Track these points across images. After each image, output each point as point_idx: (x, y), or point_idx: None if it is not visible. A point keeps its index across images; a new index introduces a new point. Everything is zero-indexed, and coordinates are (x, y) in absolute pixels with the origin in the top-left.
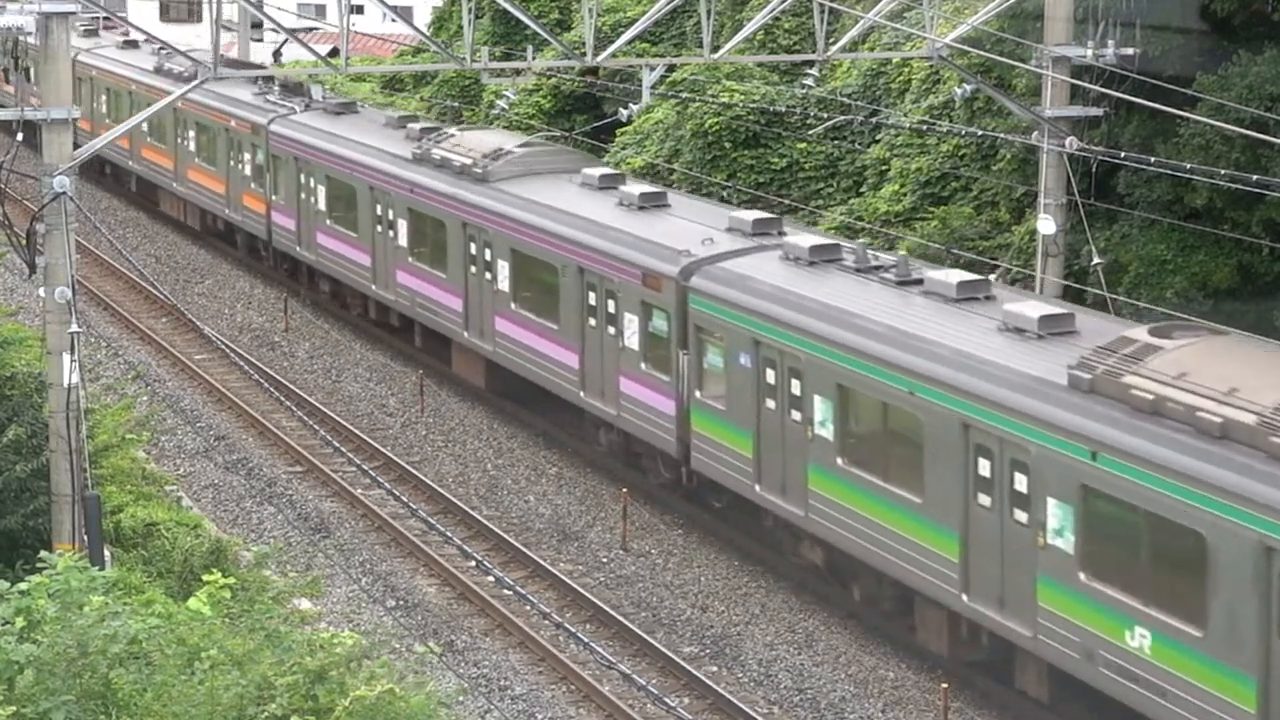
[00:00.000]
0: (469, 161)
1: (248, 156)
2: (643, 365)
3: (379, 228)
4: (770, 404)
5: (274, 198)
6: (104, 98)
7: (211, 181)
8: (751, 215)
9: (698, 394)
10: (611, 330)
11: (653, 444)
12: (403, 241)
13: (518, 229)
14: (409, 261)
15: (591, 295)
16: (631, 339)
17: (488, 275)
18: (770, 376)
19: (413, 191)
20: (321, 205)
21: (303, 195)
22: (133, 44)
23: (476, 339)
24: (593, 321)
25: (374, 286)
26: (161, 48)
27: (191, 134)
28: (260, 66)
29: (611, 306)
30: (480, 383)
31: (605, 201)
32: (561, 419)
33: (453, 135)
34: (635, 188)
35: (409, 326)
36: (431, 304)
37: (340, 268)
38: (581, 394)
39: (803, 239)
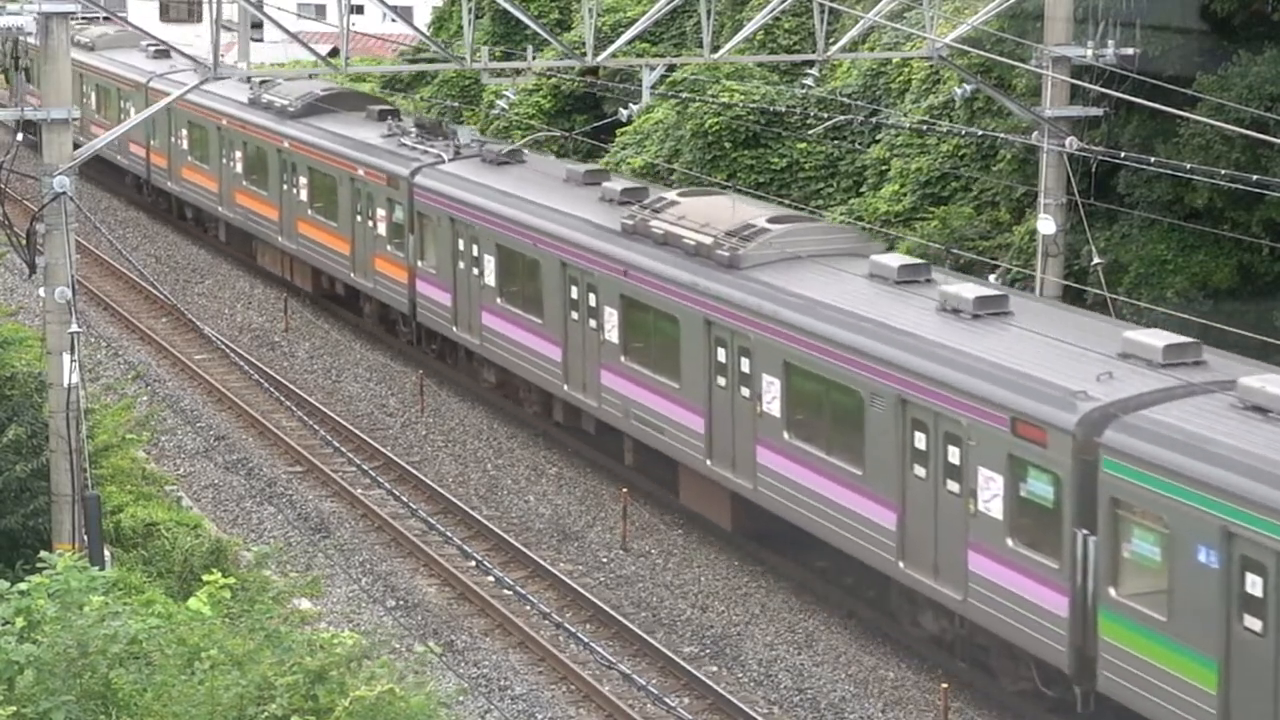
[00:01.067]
0: (707, 241)
1: (382, 212)
2: (1009, 541)
3: (574, 315)
4: (1253, 624)
5: (419, 264)
6: (184, 131)
7: (331, 239)
8: (1158, 339)
9: (1112, 593)
10: (954, 487)
11: (1026, 648)
12: (612, 336)
13: (793, 337)
14: (620, 361)
15: (920, 437)
16: (989, 504)
17: (744, 391)
18: (1256, 585)
19: (627, 274)
20: (489, 279)
21: (461, 265)
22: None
23: (725, 469)
24: (921, 472)
25: (565, 386)
26: (262, 81)
27: (303, 180)
28: (386, 104)
29: (954, 456)
30: (722, 521)
31: (917, 304)
32: (862, 589)
33: (674, 203)
34: (964, 288)
35: (612, 436)
36: (654, 417)
37: (515, 357)
38: (902, 564)
39: (1262, 381)
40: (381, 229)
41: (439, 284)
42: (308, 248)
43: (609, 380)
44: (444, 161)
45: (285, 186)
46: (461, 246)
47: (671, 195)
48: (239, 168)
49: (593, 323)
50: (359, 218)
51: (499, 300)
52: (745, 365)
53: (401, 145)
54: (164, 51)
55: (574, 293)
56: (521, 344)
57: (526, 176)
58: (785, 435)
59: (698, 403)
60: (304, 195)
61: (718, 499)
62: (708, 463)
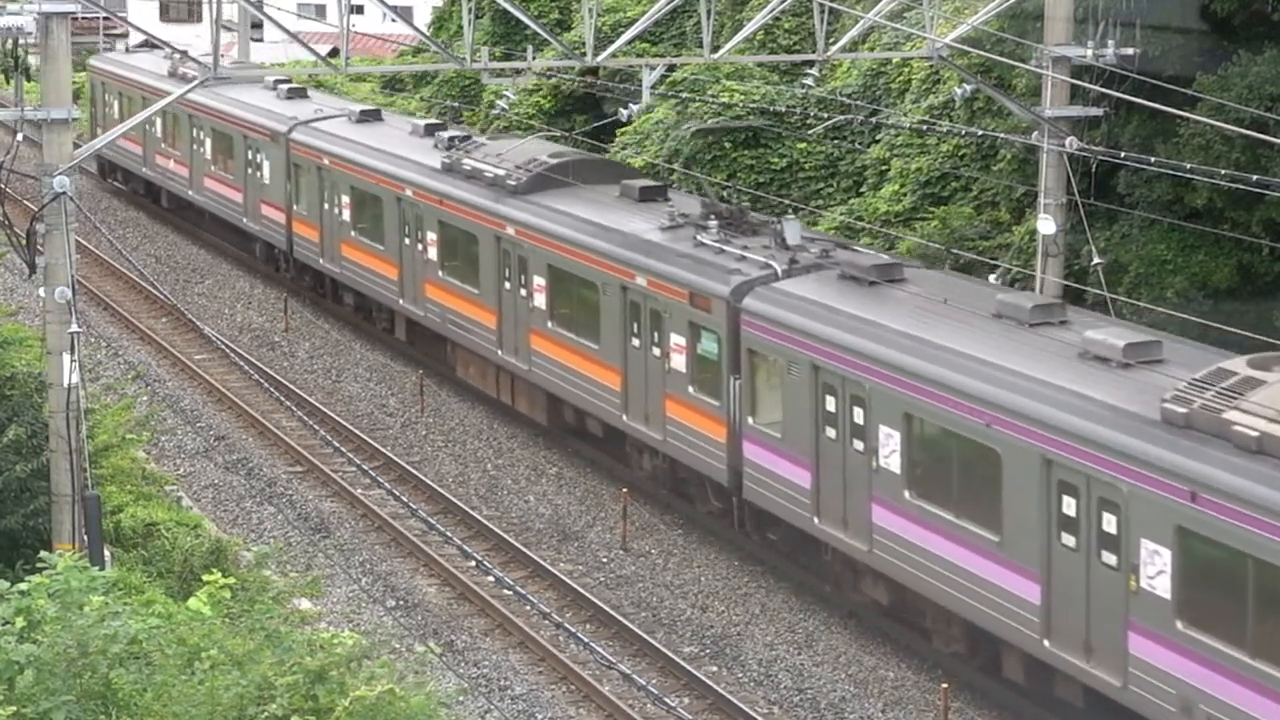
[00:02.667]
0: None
1: (679, 341)
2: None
3: (1067, 539)
4: (830, 433)
5: (751, 421)
6: (345, 199)
7: (590, 366)
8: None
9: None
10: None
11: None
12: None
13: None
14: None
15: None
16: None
17: (522, 292)
18: (830, 402)
19: (1194, 500)
20: (895, 468)
21: (830, 433)
22: (373, 116)
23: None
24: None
25: (1048, 642)
26: (458, 139)
27: (540, 281)
28: (649, 179)
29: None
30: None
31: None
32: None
33: (1256, 384)
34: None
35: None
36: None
37: (941, 580)
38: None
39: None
40: (680, 364)
41: (781, 451)
42: (547, 370)
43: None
44: (777, 277)
45: (509, 285)
46: (831, 407)
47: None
48: (432, 253)
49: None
50: (637, 342)
51: (905, 493)
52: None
53: (698, 244)
54: (299, 90)
55: (1067, 504)
56: (962, 567)
57: (942, 313)
58: (548, 324)
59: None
60: (541, 301)
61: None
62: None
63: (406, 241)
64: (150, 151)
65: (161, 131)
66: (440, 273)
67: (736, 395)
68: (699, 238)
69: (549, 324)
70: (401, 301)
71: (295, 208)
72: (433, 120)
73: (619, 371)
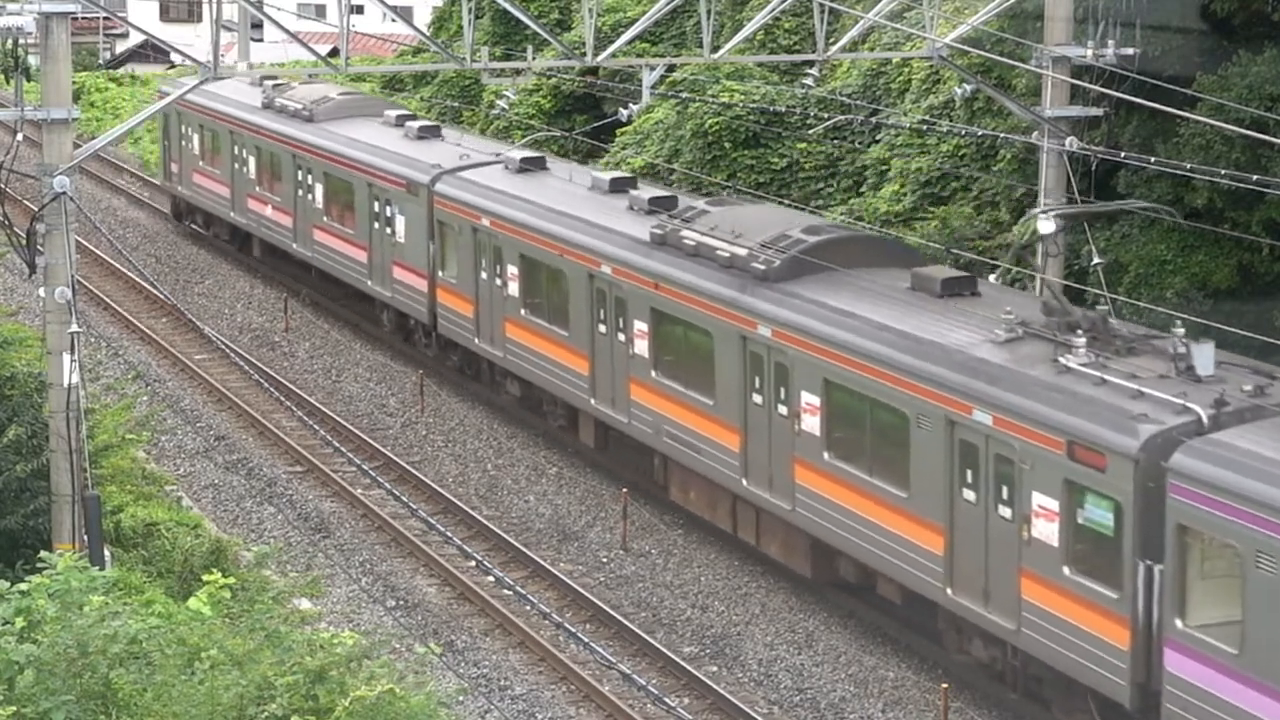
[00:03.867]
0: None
1: (1047, 502)
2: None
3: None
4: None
5: (1179, 624)
6: (513, 268)
7: (907, 524)
8: None
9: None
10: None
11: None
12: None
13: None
14: None
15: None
16: (639, 346)
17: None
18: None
19: None
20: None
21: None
22: (536, 164)
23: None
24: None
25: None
26: (619, 184)
27: (811, 399)
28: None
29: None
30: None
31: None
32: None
33: None
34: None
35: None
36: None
37: None
38: (592, 402)
39: None
40: (1045, 533)
41: (1239, 674)
42: (821, 513)
43: None
44: (1202, 426)
45: (761, 400)
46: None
47: None
48: (641, 348)
49: None
50: (973, 496)
51: None
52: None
53: (1064, 371)
54: (432, 129)
55: None
56: None
57: None
58: (825, 456)
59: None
60: (814, 425)
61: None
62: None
63: (602, 329)
64: (240, 194)
65: (256, 172)
66: (653, 373)
67: (1153, 587)
68: (1062, 359)
69: (826, 456)
70: (593, 401)
71: (441, 274)
72: (619, 173)
73: (941, 530)
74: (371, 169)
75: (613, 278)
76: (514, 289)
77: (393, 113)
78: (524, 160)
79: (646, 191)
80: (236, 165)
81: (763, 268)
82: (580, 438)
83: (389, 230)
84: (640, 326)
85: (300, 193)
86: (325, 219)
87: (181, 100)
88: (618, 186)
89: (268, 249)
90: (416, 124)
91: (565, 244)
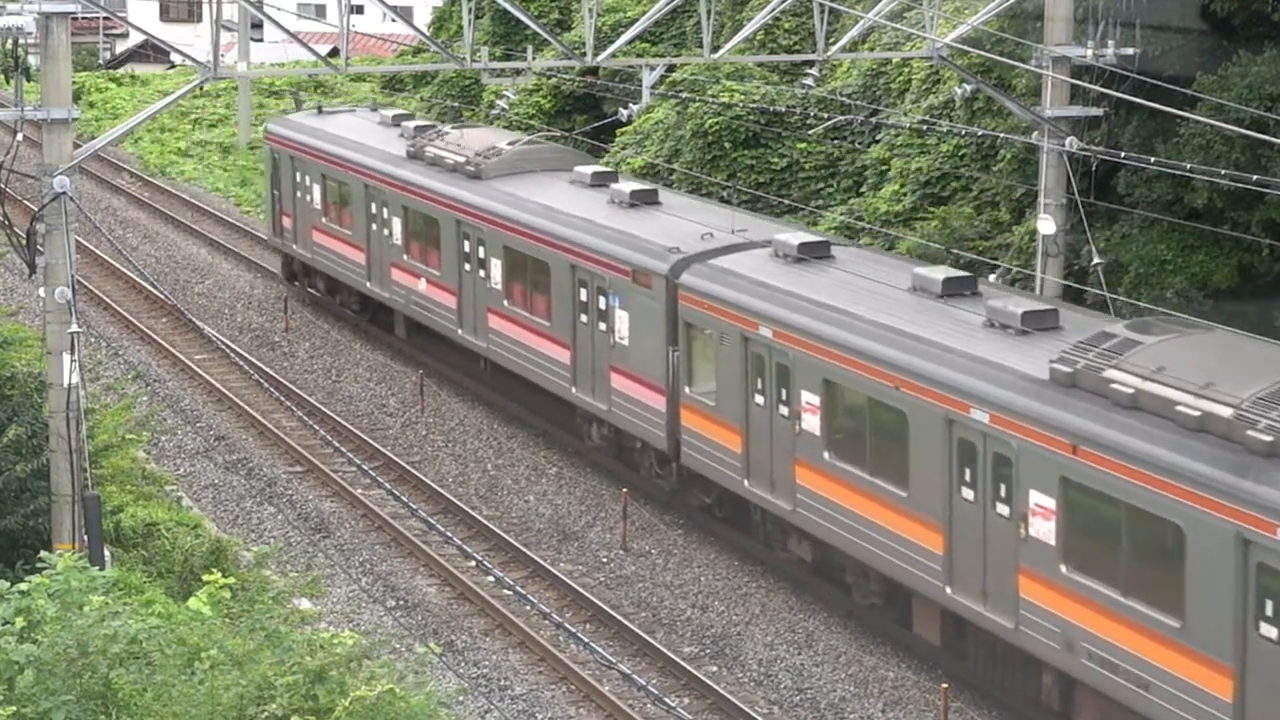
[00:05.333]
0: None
1: None
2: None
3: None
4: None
5: None
6: (822, 398)
7: None
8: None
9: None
10: (602, 327)
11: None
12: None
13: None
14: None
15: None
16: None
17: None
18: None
19: None
20: None
21: None
22: (818, 250)
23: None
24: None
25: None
26: (953, 286)
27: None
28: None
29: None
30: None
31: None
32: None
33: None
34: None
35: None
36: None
37: None
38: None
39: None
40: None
41: None
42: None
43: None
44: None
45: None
46: None
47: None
48: (1043, 532)
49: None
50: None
51: None
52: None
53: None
54: (648, 195)
55: None
56: None
57: None
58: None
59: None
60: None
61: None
62: (746, 484)
63: (968, 495)
64: (380, 262)
65: (404, 237)
66: (1063, 567)
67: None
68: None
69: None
70: (949, 590)
71: (688, 391)
72: (954, 271)
73: None
74: (576, 248)
75: (993, 429)
76: (813, 424)
77: (586, 169)
78: (803, 246)
79: (1014, 299)
80: (375, 227)
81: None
82: (917, 630)
83: (603, 326)
84: (1043, 502)
85: (467, 267)
86: (506, 303)
87: (288, 140)
88: (953, 290)
89: (416, 328)
90: (625, 187)
91: (910, 376)
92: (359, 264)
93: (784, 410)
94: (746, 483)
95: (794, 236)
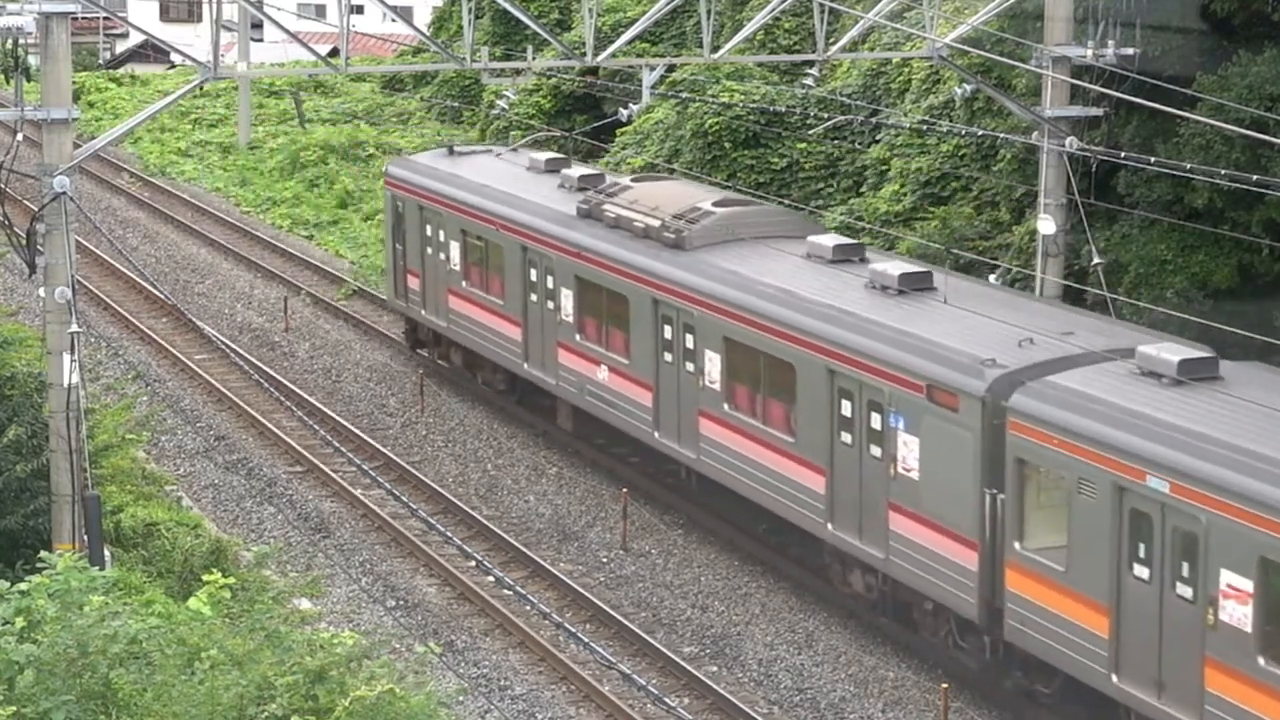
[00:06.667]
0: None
1: None
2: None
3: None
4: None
5: None
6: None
7: None
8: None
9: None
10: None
11: None
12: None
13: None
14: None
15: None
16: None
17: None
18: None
19: None
20: None
21: None
22: (1204, 369)
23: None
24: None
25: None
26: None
27: None
28: None
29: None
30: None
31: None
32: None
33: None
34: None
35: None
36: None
37: None
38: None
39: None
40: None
41: None
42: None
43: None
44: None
45: None
46: None
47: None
48: None
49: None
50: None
51: None
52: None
53: None
54: (920, 279)
55: None
56: None
57: None
58: (724, 406)
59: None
60: None
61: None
62: (1114, 679)
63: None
64: (544, 338)
65: (576, 311)
66: None
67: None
68: None
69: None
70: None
71: (1017, 548)
72: None
73: None
74: (836, 348)
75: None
76: (1240, 615)
77: (823, 240)
78: (1184, 365)
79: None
80: (535, 298)
81: None
82: None
83: (875, 452)
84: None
85: (668, 357)
86: (726, 408)
87: (426, 190)
88: None
89: (586, 420)
90: (888, 267)
91: None
92: (513, 340)
93: (1186, 591)
94: (1117, 679)
95: (1166, 350)
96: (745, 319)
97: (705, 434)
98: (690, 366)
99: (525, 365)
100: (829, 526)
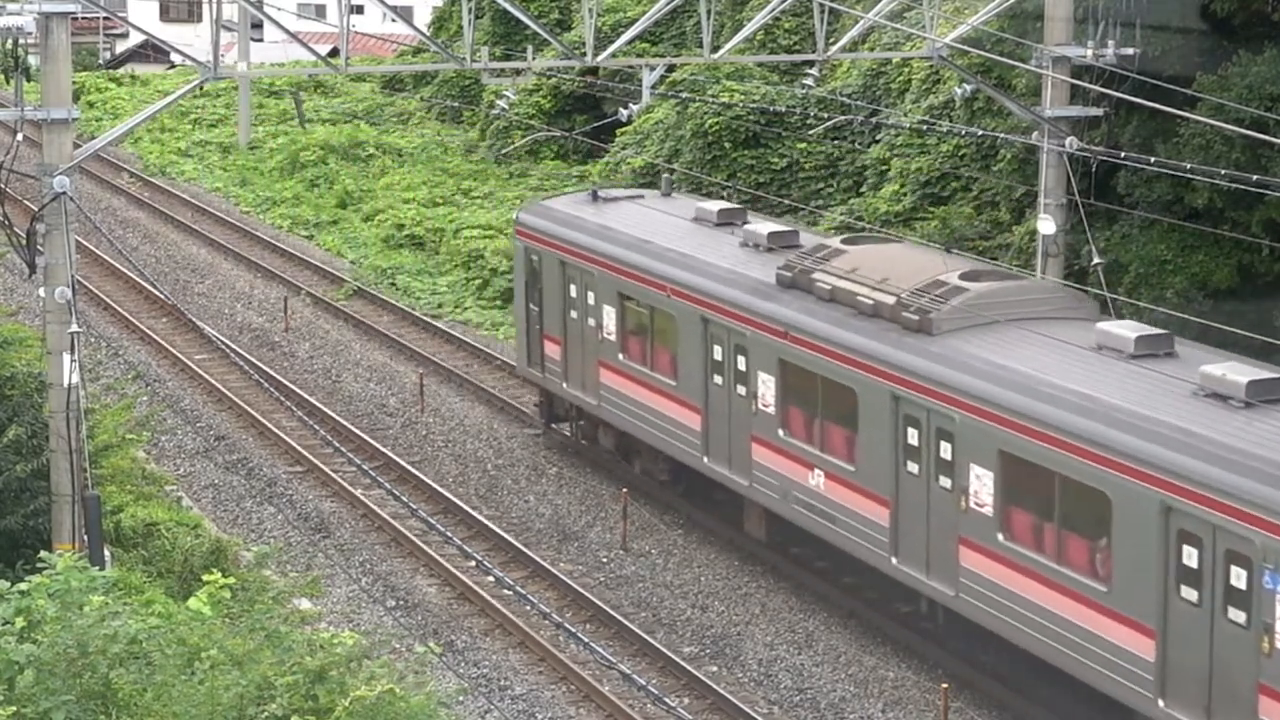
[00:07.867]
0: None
1: None
2: None
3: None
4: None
5: None
6: None
7: None
8: None
9: None
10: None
11: None
12: None
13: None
14: None
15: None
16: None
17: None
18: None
19: None
20: None
21: None
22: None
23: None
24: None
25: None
26: None
27: None
28: None
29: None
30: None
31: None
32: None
33: None
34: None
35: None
36: None
37: None
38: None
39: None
40: None
41: None
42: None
43: None
44: None
45: None
46: None
47: None
48: None
49: None
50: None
51: None
52: None
53: None
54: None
55: None
56: None
57: None
58: (999, 536)
59: None
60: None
61: None
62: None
63: None
64: (734, 430)
65: (779, 401)
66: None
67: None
68: None
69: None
70: None
71: None
72: None
73: None
74: (1171, 478)
75: None
76: None
77: (1117, 329)
78: None
79: None
80: (719, 379)
81: None
82: None
83: (1237, 616)
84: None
85: (913, 468)
86: (1002, 538)
87: (568, 243)
88: None
89: (786, 529)
90: (1212, 369)
91: None
92: (688, 429)
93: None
94: None
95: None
96: (1029, 430)
97: (966, 566)
98: (946, 483)
99: (705, 459)
100: (1160, 704)
